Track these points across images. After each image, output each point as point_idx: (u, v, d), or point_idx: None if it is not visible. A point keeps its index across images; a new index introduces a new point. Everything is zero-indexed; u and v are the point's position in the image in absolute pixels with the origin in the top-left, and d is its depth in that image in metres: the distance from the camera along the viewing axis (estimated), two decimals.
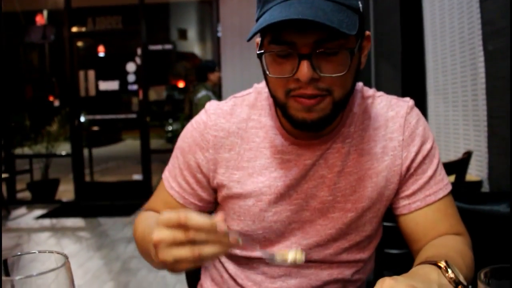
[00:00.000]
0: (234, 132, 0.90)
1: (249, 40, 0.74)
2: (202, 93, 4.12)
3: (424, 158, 0.89)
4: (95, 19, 6.62)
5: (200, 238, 0.62)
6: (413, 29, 3.31)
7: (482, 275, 0.50)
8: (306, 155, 0.87)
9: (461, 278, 0.68)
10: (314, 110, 0.77)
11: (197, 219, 0.62)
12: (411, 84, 3.37)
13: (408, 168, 0.89)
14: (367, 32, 0.84)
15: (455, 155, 2.83)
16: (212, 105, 0.94)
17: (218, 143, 0.90)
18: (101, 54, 7.36)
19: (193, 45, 14.08)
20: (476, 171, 2.51)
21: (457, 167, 2.07)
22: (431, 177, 0.89)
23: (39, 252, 0.49)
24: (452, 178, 2.11)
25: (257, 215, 0.89)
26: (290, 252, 0.70)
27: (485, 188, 2.39)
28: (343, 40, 0.74)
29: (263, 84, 0.92)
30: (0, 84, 5.81)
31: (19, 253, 0.48)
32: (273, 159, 0.88)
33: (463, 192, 1.24)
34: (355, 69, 0.80)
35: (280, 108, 0.81)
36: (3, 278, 0.46)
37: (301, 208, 0.89)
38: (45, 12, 7.66)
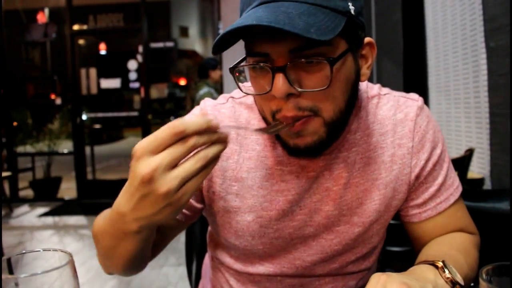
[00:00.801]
0: (233, 138, 0.81)
1: (214, 53, 0.66)
2: (204, 90, 4.11)
3: (435, 165, 0.83)
4: (96, 17, 6.63)
5: (203, 141, 0.54)
6: (415, 25, 3.31)
7: (483, 273, 0.50)
8: (309, 167, 0.79)
9: (458, 278, 0.68)
10: (304, 135, 0.69)
11: (194, 121, 0.53)
12: (413, 80, 3.36)
13: (418, 176, 0.83)
14: (369, 39, 0.74)
15: (457, 152, 2.83)
16: (209, 105, 0.84)
17: None
18: (103, 52, 7.38)
19: (195, 43, 14.07)
20: (478, 168, 2.51)
21: (459, 165, 2.07)
22: (442, 184, 0.84)
23: (44, 250, 0.49)
24: None
25: (256, 231, 0.82)
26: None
27: (487, 185, 2.38)
28: (324, 48, 0.64)
29: None
30: (2, 82, 5.82)
31: (23, 251, 0.48)
32: (274, 171, 0.80)
33: (465, 190, 1.24)
34: (348, 81, 0.70)
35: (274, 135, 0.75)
36: (8, 276, 0.46)
37: (305, 224, 0.82)
38: (46, 10, 7.67)
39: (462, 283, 0.68)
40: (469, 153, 2.09)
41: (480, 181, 2.42)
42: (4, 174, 3.11)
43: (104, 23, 6.33)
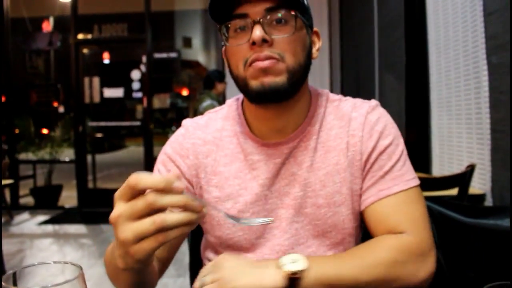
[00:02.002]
0: (210, 141, 0.95)
1: (211, 16, 0.85)
2: (207, 102, 4.14)
3: (381, 154, 0.89)
4: (101, 27, 6.66)
5: (163, 202, 0.54)
6: (417, 41, 3.33)
7: None
8: (275, 155, 0.91)
9: (293, 269, 0.71)
10: (269, 72, 0.81)
11: (149, 177, 0.55)
12: (415, 96, 3.38)
13: (366, 164, 0.90)
14: (316, 29, 0.93)
15: (458, 168, 2.83)
16: (188, 121, 1.01)
17: (196, 150, 0.95)
18: (106, 61, 7.43)
19: (198, 53, 14.14)
20: (479, 184, 2.51)
21: (460, 180, 2.08)
22: (387, 172, 0.89)
23: (54, 262, 0.50)
24: (455, 191, 2.11)
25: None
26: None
27: (488, 201, 2.39)
28: (293, 11, 0.83)
29: (233, 98, 1.01)
30: (5, 89, 5.85)
31: (35, 263, 0.49)
32: (246, 162, 0.92)
33: (465, 206, 1.25)
34: (305, 45, 0.86)
35: (243, 89, 0.86)
36: None
37: (276, 206, 0.91)
38: (51, 19, 7.74)
39: (297, 273, 0.72)
40: (470, 169, 2.10)
41: (481, 197, 2.42)
42: (6, 182, 3.12)
43: (108, 32, 6.37)
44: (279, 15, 0.82)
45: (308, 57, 0.88)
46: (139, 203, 0.54)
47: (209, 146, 0.95)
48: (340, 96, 0.99)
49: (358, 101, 0.97)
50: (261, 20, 0.81)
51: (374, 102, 0.96)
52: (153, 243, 0.55)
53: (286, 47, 0.82)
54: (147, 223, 0.54)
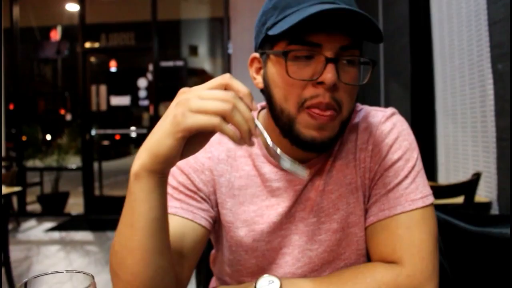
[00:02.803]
0: (223, 159, 0.86)
1: (277, 34, 0.71)
2: None
3: (387, 170, 0.81)
4: (108, 35, 6.72)
5: (237, 104, 0.59)
6: (422, 49, 3.34)
7: None
8: (296, 181, 0.83)
9: None
10: (326, 129, 0.73)
11: (240, 83, 0.61)
12: (421, 104, 3.38)
13: (372, 181, 0.83)
14: None
15: (464, 176, 2.83)
16: None
17: (212, 166, 0.85)
18: (113, 70, 7.48)
19: (204, 61, 14.21)
20: (485, 192, 2.51)
21: (466, 188, 2.08)
22: (390, 190, 0.80)
23: (67, 271, 0.51)
24: (461, 199, 2.11)
25: (250, 246, 0.85)
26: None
27: (495, 209, 2.38)
28: (358, 52, 0.74)
29: None
30: (11, 97, 5.91)
31: (49, 272, 0.50)
32: (263, 188, 0.85)
33: (471, 215, 1.25)
34: (357, 91, 0.78)
35: (285, 126, 0.76)
36: None
37: (291, 232, 0.85)
38: (59, 28, 7.82)
39: None
40: (476, 177, 2.10)
41: (488, 205, 2.41)
42: (15, 189, 3.14)
43: (115, 41, 6.43)
44: (351, 56, 0.73)
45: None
46: (220, 93, 0.59)
47: (223, 165, 0.86)
48: (355, 105, 0.90)
49: (373, 110, 0.88)
50: (336, 58, 0.71)
51: (389, 111, 0.87)
52: (207, 119, 0.58)
53: (347, 94, 0.73)
54: (218, 103, 0.58)
